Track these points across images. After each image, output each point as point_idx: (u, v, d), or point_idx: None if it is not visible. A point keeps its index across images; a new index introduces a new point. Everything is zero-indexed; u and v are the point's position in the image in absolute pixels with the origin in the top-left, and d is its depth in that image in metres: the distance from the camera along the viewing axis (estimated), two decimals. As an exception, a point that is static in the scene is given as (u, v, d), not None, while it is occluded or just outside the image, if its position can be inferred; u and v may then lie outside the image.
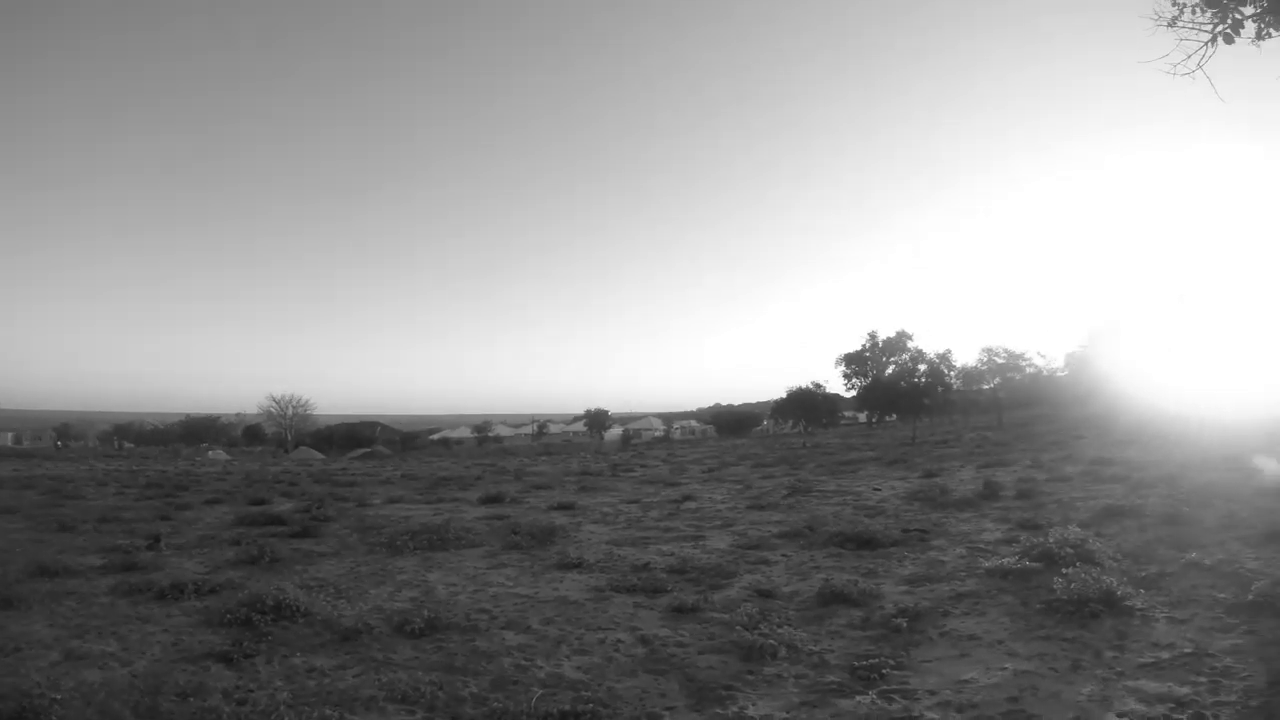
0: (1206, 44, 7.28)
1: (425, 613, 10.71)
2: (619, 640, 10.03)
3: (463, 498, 29.91)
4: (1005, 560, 12.93)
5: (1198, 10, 7.20)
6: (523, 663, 9.14)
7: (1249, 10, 7.03)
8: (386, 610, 11.52)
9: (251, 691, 8.08)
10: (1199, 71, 7.42)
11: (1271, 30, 7.08)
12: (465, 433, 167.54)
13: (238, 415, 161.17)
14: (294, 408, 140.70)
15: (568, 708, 7.25)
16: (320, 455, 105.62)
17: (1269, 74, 7.42)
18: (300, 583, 13.33)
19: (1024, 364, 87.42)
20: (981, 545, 15.45)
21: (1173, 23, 7.25)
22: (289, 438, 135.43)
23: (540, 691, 8.01)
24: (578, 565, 14.77)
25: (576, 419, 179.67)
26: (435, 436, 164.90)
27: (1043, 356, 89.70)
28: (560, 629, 10.60)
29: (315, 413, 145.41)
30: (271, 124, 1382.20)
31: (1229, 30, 7.09)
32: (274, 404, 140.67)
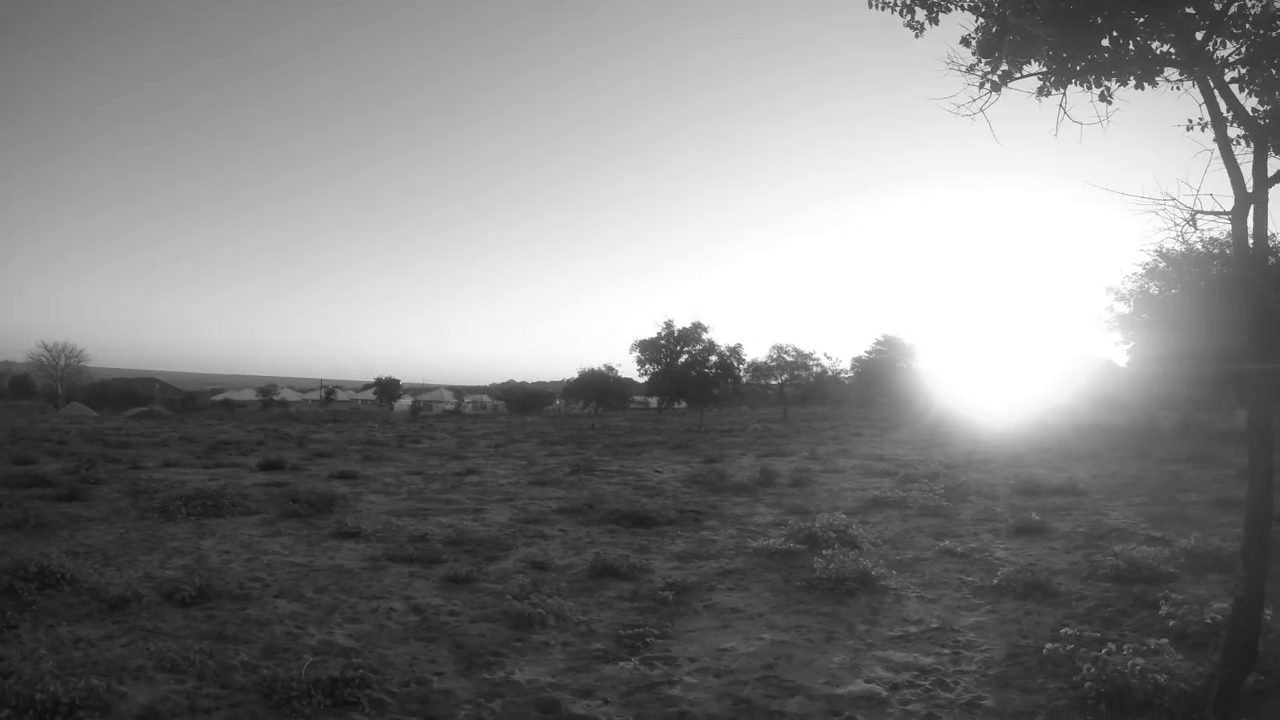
0: (988, 90, 7.78)
1: (197, 580, 10.39)
2: (392, 609, 10.04)
3: (242, 463, 28.91)
4: (772, 541, 13.51)
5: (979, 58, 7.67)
6: (295, 631, 9.04)
7: (1024, 66, 7.56)
8: (157, 578, 11.12)
9: (15, 663, 7.68)
10: (980, 115, 7.93)
11: (1052, 89, 7.65)
12: (250, 395, 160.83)
13: (4, 364, 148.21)
14: (67, 358, 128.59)
15: (338, 674, 7.21)
16: (93, 413, 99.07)
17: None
18: (67, 549, 12.63)
19: (811, 363, 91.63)
20: (752, 527, 16.06)
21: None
22: (60, 392, 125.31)
23: (311, 659, 7.95)
24: (355, 534, 14.58)
25: (366, 387, 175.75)
26: (217, 398, 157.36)
27: (829, 358, 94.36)
28: (334, 597, 10.50)
29: (90, 365, 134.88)
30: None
31: (997, 79, 7.61)
32: (45, 353, 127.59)
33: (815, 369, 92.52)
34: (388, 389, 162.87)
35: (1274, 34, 6.99)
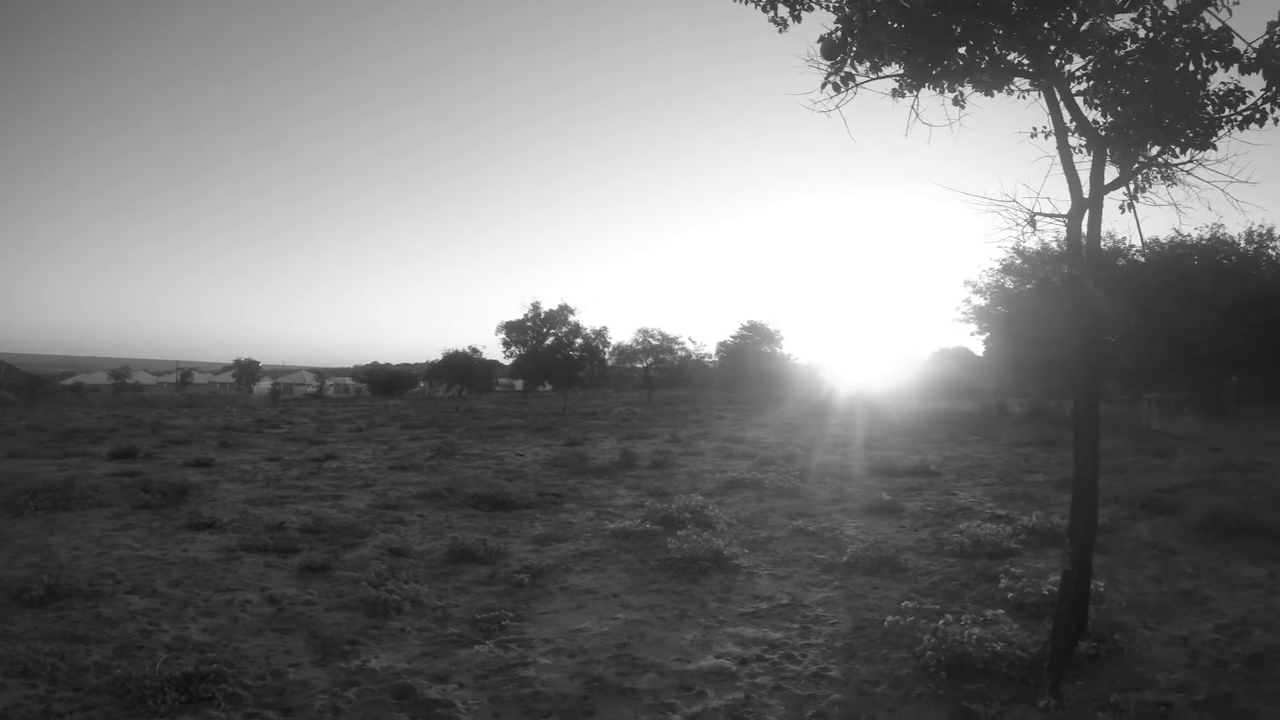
0: (832, 91, 7.99)
1: (45, 579, 9.93)
2: (247, 600, 9.86)
3: (93, 452, 27.70)
4: (629, 523, 13.75)
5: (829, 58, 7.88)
6: (148, 627, 8.80)
7: (882, 68, 7.81)
8: (4, 578, 10.61)
9: None
10: (836, 113, 8.16)
11: (906, 92, 7.93)
12: (102, 379, 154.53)
13: None
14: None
15: (192, 670, 7.07)
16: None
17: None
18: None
19: (677, 347, 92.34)
20: (611, 509, 16.25)
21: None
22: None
23: (165, 656, 7.78)
24: (210, 525, 14.21)
25: (225, 369, 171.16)
26: (67, 382, 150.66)
27: (694, 342, 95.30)
28: (188, 591, 10.25)
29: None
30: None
31: (839, 81, 7.84)
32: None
33: (680, 353, 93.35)
34: (247, 371, 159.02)
35: (1119, 52, 7.40)
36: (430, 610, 9.43)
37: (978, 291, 49.14)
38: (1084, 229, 7.40)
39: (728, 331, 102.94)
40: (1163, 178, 8.00)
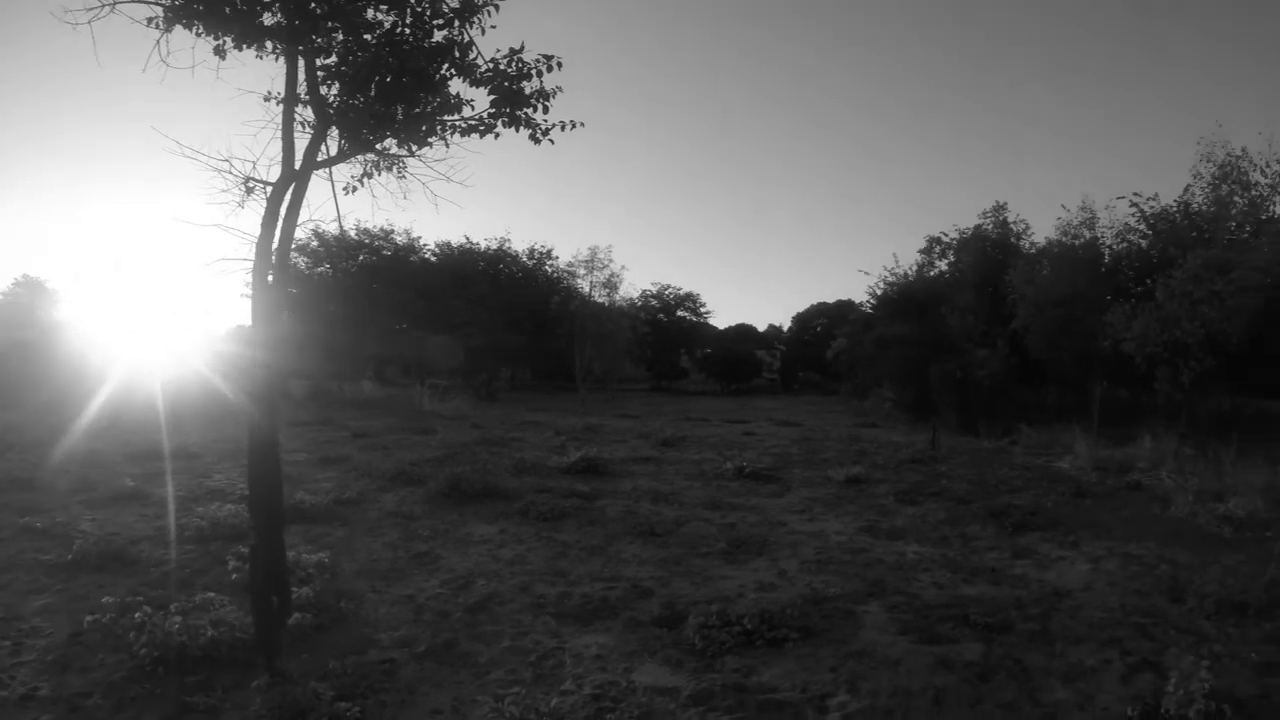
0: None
1: None
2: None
3: None
4: None
5: None
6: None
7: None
8: None
9: None
10: (87, 27, 7.19)
11: (161, 26, 7.18)
12: None
13: None
14: None
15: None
16: None
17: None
18: None
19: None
20: None
21: None
22: None
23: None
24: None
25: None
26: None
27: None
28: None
29: None
30: None
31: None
32: None
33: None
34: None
35: (369, 38, 7.41)
36: None
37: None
38: (286, 201, 7.24)
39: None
40: (389, 168, 8.23)
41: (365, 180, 8.19)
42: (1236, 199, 25.05)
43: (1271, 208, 24.21)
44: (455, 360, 43.57)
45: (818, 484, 17.49)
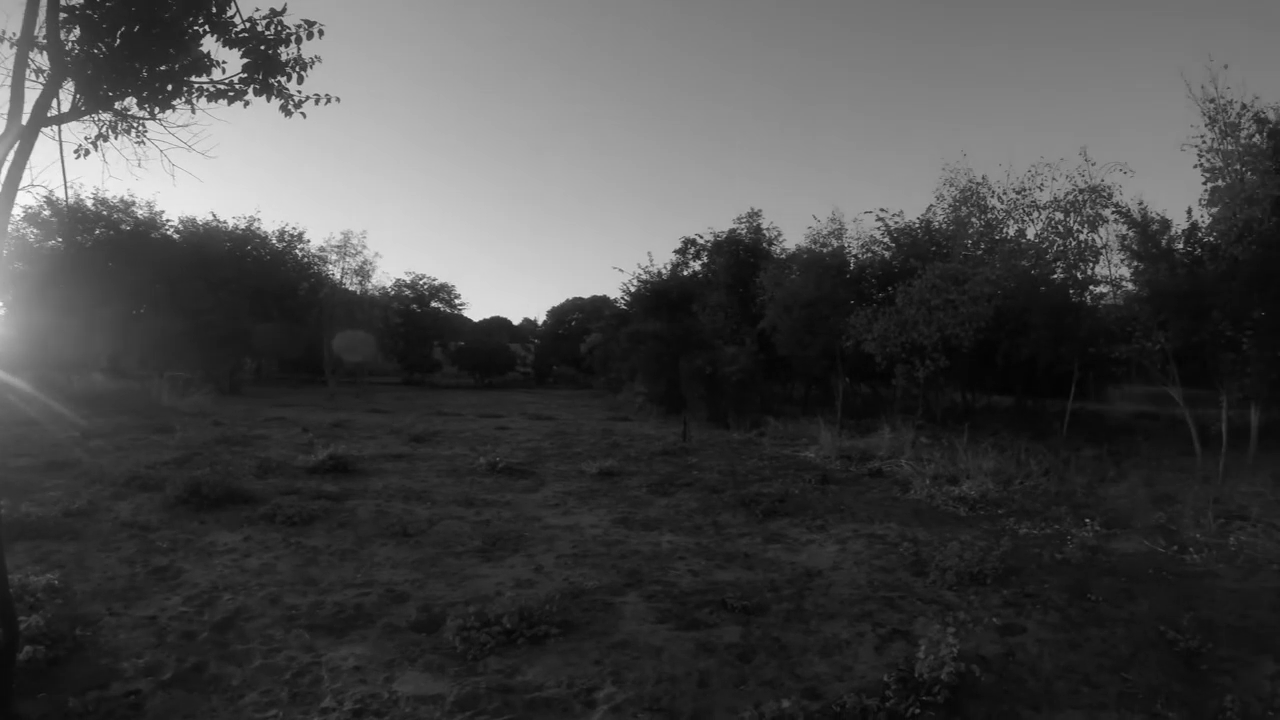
0: None
1: None
2: None
3: None
4: None
5: None
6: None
7: None
8: None
9: None
10: None
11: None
12: None
13: None
14: None
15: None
16: None
17: None
18: None
19: None
20: None
21: None
22: None
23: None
24: None
25: None
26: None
27: None
28: None
29: None
30: None
31: None
32: None
33: None
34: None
35: None
36: None
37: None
38: (8, 161, 6.38)
39: None
40: (127, 131, 7.59)
41: (99, 143, 7.49)
42: (974, 220, 26.67)
43: (1004, 230, 26.00)
44: (196, 350, 40.91)
45: (572, 478, 17.59)
